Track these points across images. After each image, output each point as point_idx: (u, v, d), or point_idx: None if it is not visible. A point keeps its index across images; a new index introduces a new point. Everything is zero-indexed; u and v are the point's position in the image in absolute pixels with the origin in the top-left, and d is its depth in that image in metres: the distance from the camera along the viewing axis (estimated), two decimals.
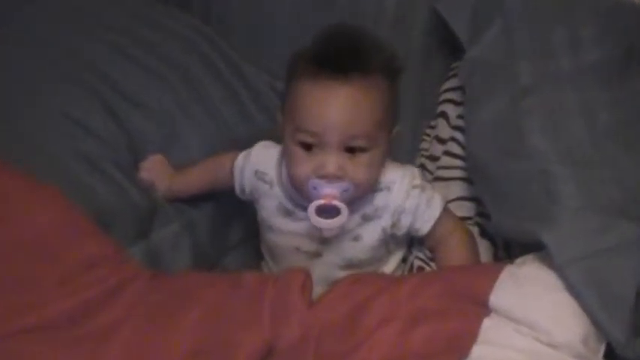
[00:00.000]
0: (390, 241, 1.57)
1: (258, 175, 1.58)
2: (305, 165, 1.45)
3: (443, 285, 1.37)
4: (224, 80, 1.87)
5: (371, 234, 1.55)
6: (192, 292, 1.41)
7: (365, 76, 1.43)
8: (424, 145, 1.86)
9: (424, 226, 1.54)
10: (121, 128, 1.70)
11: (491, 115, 1.54)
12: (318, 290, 1.42)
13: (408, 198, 1.52)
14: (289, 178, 1.50)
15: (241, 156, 1.62)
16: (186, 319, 1.37)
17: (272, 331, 1.35)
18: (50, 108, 1.67)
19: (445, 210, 1.56)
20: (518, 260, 1.40)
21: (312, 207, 1.43)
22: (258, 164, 1.58)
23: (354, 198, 1.47)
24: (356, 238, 1.54)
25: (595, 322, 1.27)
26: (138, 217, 1.60)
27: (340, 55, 1.43)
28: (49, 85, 1.71)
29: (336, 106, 1.42)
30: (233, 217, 1.76)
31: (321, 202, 1.43)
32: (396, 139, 1.53)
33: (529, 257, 1.38)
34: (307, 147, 1.44)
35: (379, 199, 1.52)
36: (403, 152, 1.78)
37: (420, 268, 1.59)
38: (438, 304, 1.34)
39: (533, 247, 1.37)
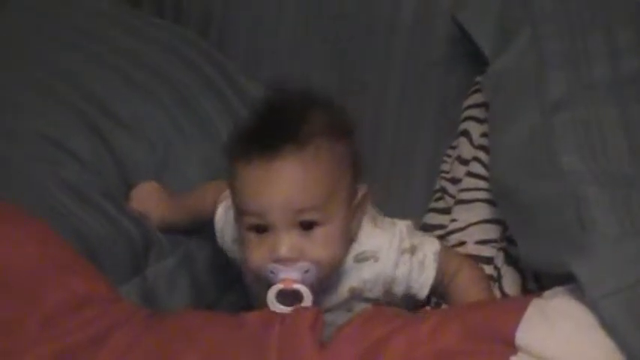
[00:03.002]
0: (391, 304, 1.49)
1: (238, 242, 1.49)
2: (259, 250, 1.38)
3: (464, 323, 1.30)
4: (218, 93, 1.83)
5: (364, 304, 1.47)
6: (190, 335, 1.36)
7: (300, 146, 1.36)
8: (444, 166, 1.81)
9: (421, 292, 1.47)
10: (107, 150, 1.67)
11: (519, 133, 1.48)
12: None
13: (398, 266, 1.45)
14: (246, 264, 1.43)
15: (222, 209, 1.54)
16: None
17: None
18: (26, 128, 1.64)
19: (443, 257, 1.48)
20: (548, 293, 1.32)
21: (270, 294, 1.37)
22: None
23: (321, 277, 1.39)
24: (349, 310, 1.47)
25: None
26: (131, 252, 1.58)
27: (267, 129, 1.38)
28: (23, 101, 1.68)
29: (273, 185, 1.35)
30: None
31: (280, 286, 1.37)
32: (365, 201, 1.45)
33: (560, 289, 1.32)
34: (258, 229, 1.37)
35: (366, 271, 1.45)
36: (420, 175, 1.79)
37: (438, 304, 1.54)
38: (460, 344, 1.27)
39: (566, 277, 1.29)
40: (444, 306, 1.52)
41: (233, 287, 1.70)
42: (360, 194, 1.43)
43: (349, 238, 1.43)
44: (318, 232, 1.37)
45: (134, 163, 1.70)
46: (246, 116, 1.43)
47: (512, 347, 1.25)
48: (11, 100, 1.68)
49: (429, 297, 1.53)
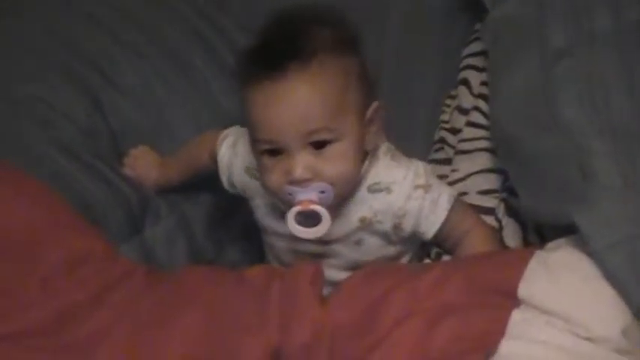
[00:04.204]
0: (397, 242, 1.50)
1: (250, 171, 1.51)
2: (274, 173, 1.38)
3: (466, 276, 1.31)
4: (213, 53, 1.81)
5: (373, 238, 1.48)
6: (190, 291, 1.38)
7: (305, 64, 1.35)
8: (444, 117, 1.79)
9: (429, 230, 1.47)
10: (100, 114, 1.67)
11: (519, 83, 1.46)
12: (326, 293, 1.38)
13: (410, 200, 1.45)
14: (265, 189, 1.45)
15: (225, 146, 1.55)
16: (184, 322, 1.33)
17: (280, 332, 1.31)
18: (20, 90, 1.63)
19: (458, 207, 1.49)
20: (550, 245, 1.33)
21: (290, 215, 1.38)
22: (249, 159, 1.50)
23: (338, 198, 1.40)
24: (357, 242, 1.49)
25: (637, 312, 1.22)
26: (128, 213, 1.57)
27: (272, 49, 1.37)
28: (16, 64, 1.67)
29: (281, 106, 1.35)
30: (231, 207, 1.69)
31: (299, 208, 1.37)
32: (380, 115, 1.44)
33: (562, 241, 1.32)
34: (272, 153, 1.38)
35: (378, 201, 1.45)
36: (420, 126, 1.76)
37: (439, 255, 1.53)
38: (462, 297, 1.29)
39: (567, 229, 1.30)
40: (444, 257, 1.52)
41: (231, 245, 1.71)
42: (371, 108, 1.42)
43: (363, 153, 1.43)
44: (331, 150, 1.37)
45: (128, 126, 1.69)
46: (252, 39, 1.41)
47: (515, 300, 1.25)
48: (5, 62, 1.67)
49: (429, 247, 1.54)
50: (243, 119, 1.42)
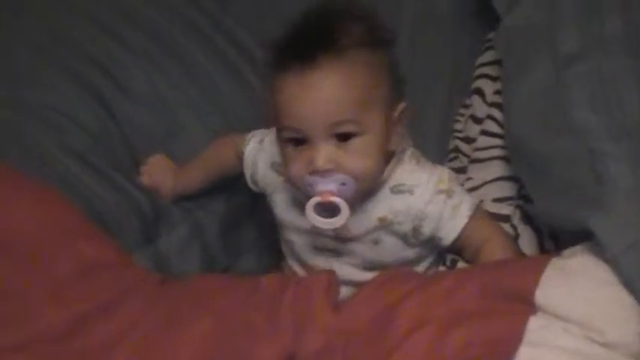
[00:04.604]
0: (416, 245, 1.50)
1: (275, 166, 1.52)
2: (297, 163, 1.39)
3: (481, 283, 1.30)
4: (222, 57, 1.81)
5: (391, 239, 1.48)
6: (203, 299, 1.38)
7: (337, 56, 1.36)
8: (457, 126, 1.79)
9: (448, 236, 1.47)
10: (112, 121, 1.67)
11: (532, 89, 1.46)
12: (343, 292, 1.38)
13: (431, 203, 1.46)
14: (287, 180, 1.46)
15: (253, 143, 1.57)
16: (196, 329, 1.32)
17: (294, 339, 1.30)
18: (32, 97, 1.63)
19: (479, 215, 1.49)
20: (566, 252, 1.32)
21: (309, 205, 1.39)
22: (276, 154, 1.51)
23: (357, 192, 1.40)
24: (375, 242, 1.49)
25: None
26: (141, 221, 1.58)
27: (305, 39, 1.37)
28: (27, 70, 1.66)
29: (309, 96, 1.35)
30: (245, 216, 1.71)
31: (318, 199, 1.38)
32: (407, 117, 1.45)
33: (578, 248, 1.31)
34: (296, 142, 1.39)
35: (399, 202, 1.46)
36: (433, 135, 1.76)
37: (454, 262, 1.52)
38: (477, 304, 1.28)
39: (584, 236, 1.29)
40: (459, 264, 1.51)
41: (245, 253, 1.71)
42: (399, 109, 1.43)
43: (387, 153, 1.43)
44: (355, 144, 1.38)
45: (140, 133, 1.69)
46: (286, 29, 1.42)
47: (532, 307, 1.25)
48: (16, 70, 1.67)
49: (445, 255, 1.53)
50: (270, 107, 1.42)
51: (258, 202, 1.61)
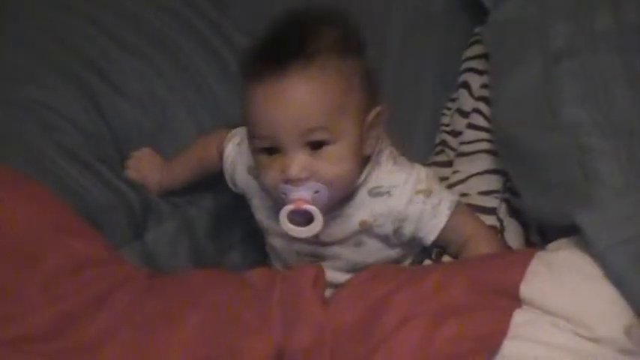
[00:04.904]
0: (397, 245, 1.50)
1: (251, 171, 1.50)
2: (270, 171, 1.38)
3: (468, 277, 1.31)
4: (214, 54, 1.80)
5: (373, 241, 1.48)
6: (192, 294, 1.38)
7: (307, 64, 1.34)
8: (444, 119, 1.79)
9: (428, 236, 1.47)
10: (101, 116, 1.66)
11: (523, 83, 1.46)
12: (328, 294, 1.38)
13: (410, 204, 1.44)
14: (262, 187, 1.45)
15: (232, 145, 1.55)
16: (186, 324, 1.32)
17: (283, 334, 1.31)
18: (21, 93, 1.62)
19: (459, 213, 1.48)
20: (552, 245, 1.34)
21: (282, 214, 1.37)
22: (252, 159, 1.49)
23: (332, 199, 1.39)
24: (358, 245, 1.48)
25: None
26: (129, 216, 1.57)
27: (275, 48, 1.36)
28: (17, 66, 1.66)
29: (279, 103, 1.34)
30: (234, 211, 1.68)
31: (291, 207, 1.36)
32: (382, 120, 1.43)
33: (563, 242, 1.32)
34: (269, 151, 1.37)
35: (379, 205, 1.44)
36: (421, 129, 1.76)
37: (439, 254, 1.52)
38: (464, 299, 1.28)
39: (570, 230, 1.30)
40: (445, 257, 1.51)
41: (233, 248, 1.71)
42: (373, 113, 1.41)
43: (361, 158, 1.41)
44: (328, 151, 1.36)
45: (129, 128, 1.68)
46: (255, 38, 1.41)
47: (517, 300, 1.26)
48: (6, 65, 1.66)
49: (430, 247, 1.53)
50: (243, 116, 1.41)
51: (245, 199, 1.59)
